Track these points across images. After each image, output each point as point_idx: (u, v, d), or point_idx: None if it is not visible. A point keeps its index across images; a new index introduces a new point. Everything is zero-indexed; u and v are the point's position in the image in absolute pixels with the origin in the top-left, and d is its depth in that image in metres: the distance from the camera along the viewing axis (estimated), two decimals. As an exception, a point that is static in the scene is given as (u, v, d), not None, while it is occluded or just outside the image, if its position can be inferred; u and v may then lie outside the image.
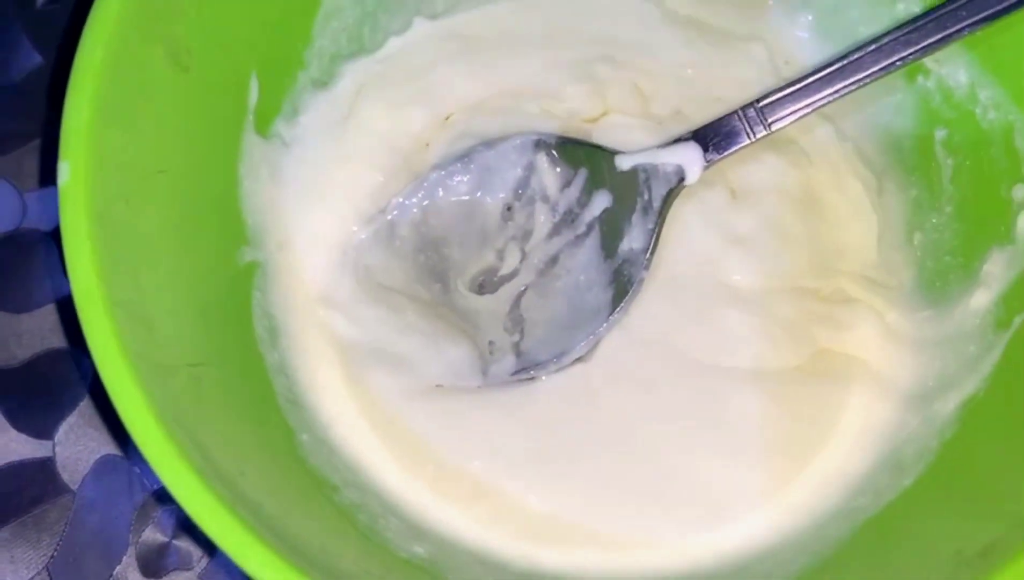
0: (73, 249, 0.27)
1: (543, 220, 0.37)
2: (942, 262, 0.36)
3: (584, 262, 0.36)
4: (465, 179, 0.37)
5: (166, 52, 0.31)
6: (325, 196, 0.37)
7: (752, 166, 0.37)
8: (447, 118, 0.39)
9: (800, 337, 0.35)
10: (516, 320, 0.37)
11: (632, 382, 0.35)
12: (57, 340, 0.39)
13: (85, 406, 0.39)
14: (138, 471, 0.38)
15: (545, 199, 0.37)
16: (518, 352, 0.36)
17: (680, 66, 0.38)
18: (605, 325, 0.35)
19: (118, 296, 0.27)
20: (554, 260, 0.37)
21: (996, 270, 0.34)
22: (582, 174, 0.37)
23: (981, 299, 0.34)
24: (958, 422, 0.32)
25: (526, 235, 0.37)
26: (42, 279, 0.40)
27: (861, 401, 0.34)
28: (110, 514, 0.37)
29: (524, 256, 0.37)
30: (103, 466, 0.38)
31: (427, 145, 0.38)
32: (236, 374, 0.33)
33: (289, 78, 0.38)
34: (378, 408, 0.35)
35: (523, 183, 0.37)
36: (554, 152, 0.37)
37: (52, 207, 0.40)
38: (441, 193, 0.37)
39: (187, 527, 0.37)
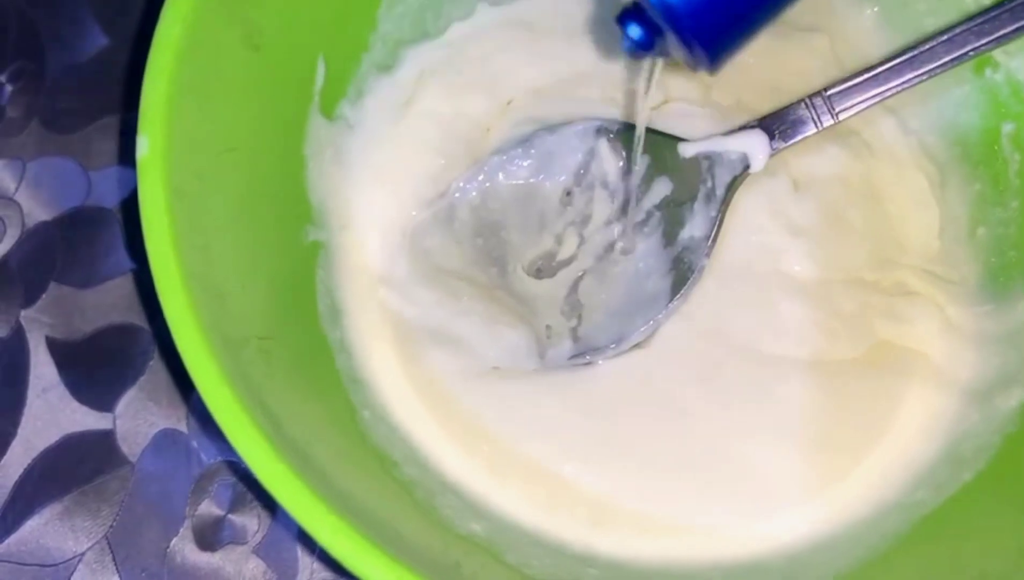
0: (152, 221, 0.28)
1: (603, 206, 0.37)
2: (1006, 257, 0.35)
3: (644, 249, 0.36)
4: (525, 164, 0.37)
5: (241, 32, 0.32)
6: (386, 179, 0.38)
7: (814, 157, 0.37)
8: (508, 103, 0.39)
9: (859, 329, 0.35)
10: (574, 305, 0.37)
11: (690, 369, 0.35)
12: (119, 315, 0.40)
13: (145, 381, 0.39)
14: (196, 446, 0.38)
15: (605, 185, 0.37)
16: (575, 337, 0.36)
17: (742, 55, 0.38)
18: (664, 312, 0.35)
19: (192, 268, 0.28)
20: (613, 246, 0.37)
21: None
22: (644, 160, 0.36)
23: None
24: (1020, 418, 0.31)
25: (585, 220, 0.37)
26: (106, 255, 0.41)
27: (920, 395, 0.34)
28: (168, 487, 0.38)
29: (583, 241, 0.37)
30: (162, 440, 0.38)
31: (488, 130, 0.38)
32: (301, 349, 0.33)
33: (354, 61, 0.38)
34: (435, 388, 0.35)
35: (584, 168, 0.37)
36: (616, 138, 0.37)
37: (116, 185, 0.41)
38: (501, 177, 0.37)
39: (242, 502, 0.37)
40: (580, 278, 0.37)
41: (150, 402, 0.39)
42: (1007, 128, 0.36)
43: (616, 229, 0.37)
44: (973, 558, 0.27)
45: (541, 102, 0.39)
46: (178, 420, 0.38)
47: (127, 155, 0.42)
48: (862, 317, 0.35)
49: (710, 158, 0.35)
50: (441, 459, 0.34)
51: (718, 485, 0.33)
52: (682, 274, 0.35)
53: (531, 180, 0.38)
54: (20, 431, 0.38)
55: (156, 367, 0.39)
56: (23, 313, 0.40)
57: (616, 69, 0.38)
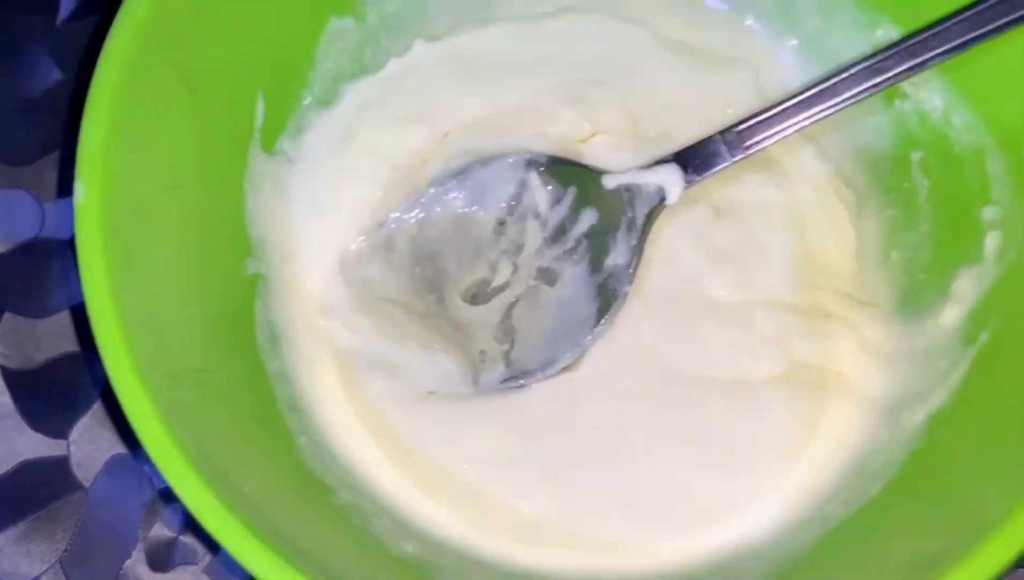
0: (87, 264, 0.29)
1: (534, 235, 0.39)
2: (916, 279, 0.37)
3: (572, 276, 0.38)
4: (461, 195, 0.39)
5: (178, 75, 0.33)
6: (326, 211, 0.39)
7: (735, 185, 0.38)
8: (445, 136, 0.40)
9: (778, 350, 0.36)
10: (507, 330, 0.38)
11: (616, 391, 0.36)
12: (72, 345, 0.41)
13: (98, 408, 0.40)
14: (147, 470, 0.39)
15: (536, 215, 0.39)
16: (508, 361, 0.37)
17: (668, 88, 0.40)
18: (591, 336, 0.36)
19: (129, 307, 0.29)
20: (544, 273, 0.39)
21: (965, 287, 0.35)
22: (571, 192, 0.38)
23: (951, 315, 0.35)
24: (925, 433, 0.33)
25: (518, 249, 0.39)
26: (59, 286, 0.41)
27: (835, 412, 0.35)
28: (120, 511, 0.39)
29: (516, 269, 0.39)
30: (114, 465, 0.39)
31: (425, 162, 0.40)
32: (239, 380, 0.34)
33: (294, 98, 0.39)
34: (373, 413, 0.37)
35: (515, 199, 0.39)
36: (545, 171, 0.39)
37: (70, 217, 0.42)
38: (437, 208, 0.39)
39: (192, 525, 0.38)
40: (513, 304, 0.38)
41: (103, 429, 0.40)
42: (916, 156, 0.38)
43: (546, 257, 0.39)
44: (871, 567, 0.29)
45: (476, 135, 0.40)
46: (130, 446, 0.39)
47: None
48: (782, 339, 0.36)
49: (630, 190, 0.37)
50: (377, 481, 0.35)
51: (642, 503, 0.35)
52: (607, 300, 0.37)
53: (466, 210, 0.39)
54: None
55: (109, 394, 0.40)
56: None
57: (547, 104, 0.40)
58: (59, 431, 0.40)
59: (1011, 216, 0.34)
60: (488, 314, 0.38)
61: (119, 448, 0.39)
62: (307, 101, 0.39)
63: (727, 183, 0.38)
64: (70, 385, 0.40)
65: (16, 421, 0.40)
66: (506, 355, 0.38)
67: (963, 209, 0.35)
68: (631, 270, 0.36)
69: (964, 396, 0.33)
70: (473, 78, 0.40)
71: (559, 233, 0.38)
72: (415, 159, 0.40)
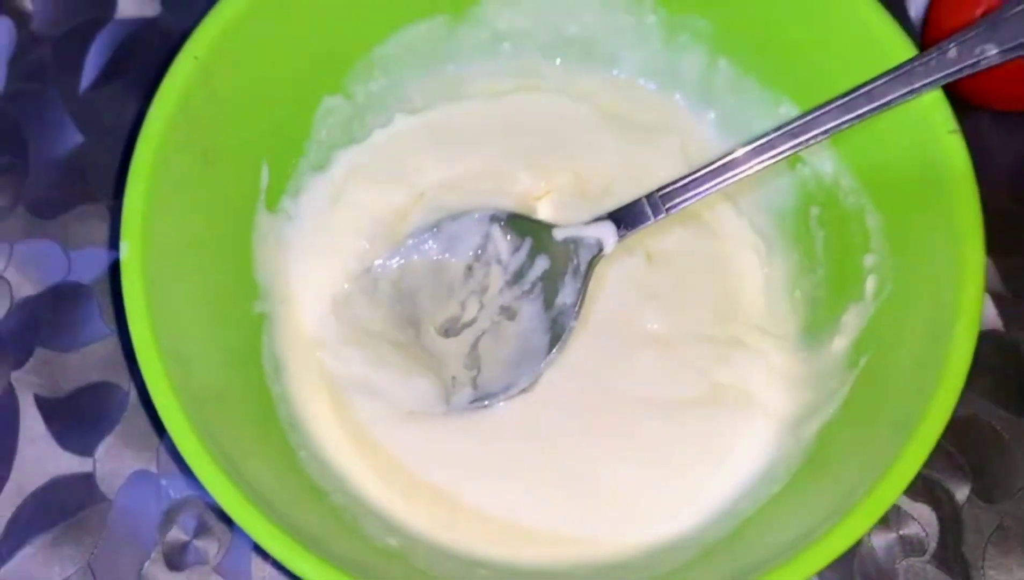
0: (133, 310, 0.33)
1: (497, 278, 0.42)
2: (815, 314, 0.41)
3: (529, 312, 0.41)
4: (435, 245, 0.42)
5: (198, 151, 0.36)
6: (320, 260, 0.42)
7: (664, 236, 0.42)
8: (421, 195, 0.43)
9: (701, 375, 0.40)
10: (474, 358, 0.41)
11: (566, 409, 0.40)
12: (97, 375, 0.43)
13: (120, 429, 0.42)
14: (164, 483, 0.41)
15: (499, 261, 0.42)
16: (475, 384, 0.41)
17: (610, 153, 0.43)
18: (544, 362, 0.40)
19: (165, 345, 0.33)
20: (505, 310, 0.42)
21: (851, 321, 0.38)
22: (527, 242, 0.42)
23: (840, 344, 0.38)
24: (816, 441, 0.37)
25: (483, 289, 0.42)
26: (84, 324, 0.44)
27: (748, 427, 0.39)
28: (140, 519, 0.41)
29: (482, 306, 0.42)
30: (135, 479, 0.41)
31: (404, 217, 0.43)
32: (250, 402, 0.37)
33: (293, 164, 0.42)
34: (359, 430, 0.39)
35: (481, 248, 0.42)
36: (505, 224, 0.42)
37: (93, 264, 0.45)
38: (415, 256, 0.42)
39: (204, 528, 0.41)
40: (480, 336, 0.42)
41: (125, 447, 0.42)
42: (814, 211, 0.42)
43: (507, 296, 0.42)
44: (766, 548, 0.33)
45: (447, 194, 0.43)
46: (149, 462, 0.42)
47: (102, 238, 0.46)
48: (704, 365, 0.40)
49: (575, 241, 0.40)
50: (363, 487, 0.38)
51: (591, 504, 0.38)
52: (558, 332, 0.40)
53: (440, 258, 0.42)
54: (13, 475, 0.42)
55: (129, 417, 0.42)
56: (13, 374, 0.43)
57: (509, 167, 0.43)
58: (86, 450, 0.42)
59: (885, 263, 0.37)
60: (458, 345, 0.41)
61: (139, 464, 0.41)
62: (304, 167, 0.43)
63: (658, 234, 0.42)
64: (95, 410, 0.43)
65: (48, 442, 0.42)
66: (473, 380, 0.41)
67: (851, 257, 0.39)
68: (577, 308, 0.40)
69: (845, 409, 0.36)
70: (445, 145, 0.44)
71: (518, 276, 0.42)
72: (396, 214, 0.43)
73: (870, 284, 0.38)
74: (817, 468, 0.36)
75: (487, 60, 0.45)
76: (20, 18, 0.49)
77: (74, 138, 0.47)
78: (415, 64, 0.44)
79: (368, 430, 0.39)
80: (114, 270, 0.45)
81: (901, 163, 0.37)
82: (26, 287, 0.45)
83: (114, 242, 0.45)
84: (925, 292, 0.35)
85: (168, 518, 0.41)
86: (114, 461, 0.42)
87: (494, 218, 0.42)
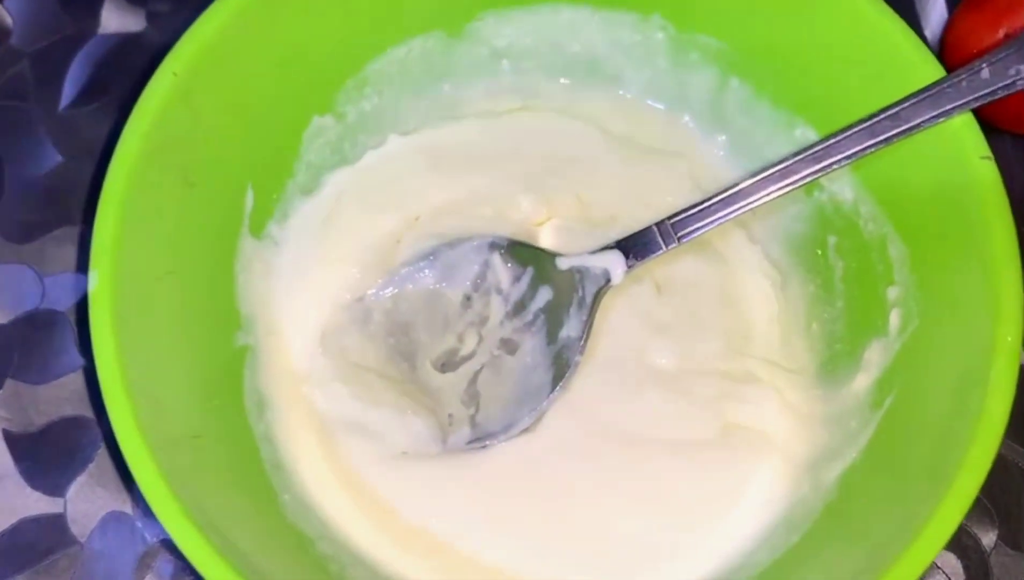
0: (99, 343, 0.32)
1: (496, 309, 0.41)
2: (833, 349, 0.40)
3: (531, 346, 0.40)
4: (431, 273, 0.41)
5: (177, 173, 0.35)
6: (309, 288, 0.41)
7: (674, 266, 0.41)
8: (416, 219, 0.42)
9: (712, 413, 0.39)
10: (472, 395, 0.40)
11: (570, 451, 0.38)
12: (71, 409, 0.42)
13: (94, 467, 0.41)
14: (140, 525, 0.40)
15: (498, 291, 0.41)
16: (473, 424, 0.40)
17: (615, 178, 0.42)
18: (546, 401, 0.39)
19: (135, 381, 0.31)
20: (505, 343, 0.41)
21: (874, 358, 0.37)
22: (529, 271, 0.41)
23: (862, 382, 0.37)
24: (838, 487, 0.36)
25: (482, 321, 0.41)
26: (58, 354, 0.43)
27: (762, 469, 0.38)
28: (114, 563, 0.40)
29: (480, 339, 0.41)
30: (109, 521, 0.40)
31: (398, 242, 0.42)
32: (229, 443, 0.36)
33: (280, 187, 0.41)
34: (350, 472, 0.38)
35: (480, 277, 0.41)
36: (505, 252, 0.41)
37: (69, 290, 0.44)
38: (410, 285, 0.41)
39: (181, 577, 0.39)
40: (478, 371, 0.41)
41: (98, 487, 0.41)
42: (832, 240, 0.41)
43: (508, 329, 0.41)
44: None
45: (443, 218, 0.42)
46: (123, 503, 0.40)
47: (78, 263, 0.44)
48: (715, 402, 0.39)
49: (580, 271, 0.39)
50: (353, 534, 0.37)
51: (596, 552, 0.37)
52: (561, 368, 0.39)
53: (436, 287, 0.41)
54: None
55: (103, 455, 0.41)
56: None
57: (507, 191, 0.42)
58: (57, 490, 0.41)
59: (910, 296, 0.36)
60: (456, 381, 0.40)
61: (113, 505, 0.40)
62: (292, 190, 0.42)
63: (667, 263, 0.41)
64: (67, 447, 0.41)
65: (16, 480, 0.41)
66: (472, 418, 0.40)
67: (872, 288, 0.38)
68: (582, 342, 0.39)
69: (871, 453, 0.35)
70: (441, 168, 0.43)
71: (519, 308, 0.41)
72: (388, 241, 0.42)
73: (894, 318, 0.37)
74: (840, 518, 0.35)
75: (485, 79, 0.44)
76: None
77: (52, 158, 0.46)
78: (410, 83, 0.43)
79: (358, 472, 0.38)
80: (86, 300, 0.43)
81: (927, 190, 0.36)
82: None
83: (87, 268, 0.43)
84: (957, 328, 0.34)
85: (143, 563, 0.40)
86: (86, 501, 0.41)
87: (494, 245, 0.41)
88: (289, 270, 0.41)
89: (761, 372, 0.40)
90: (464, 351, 0.41)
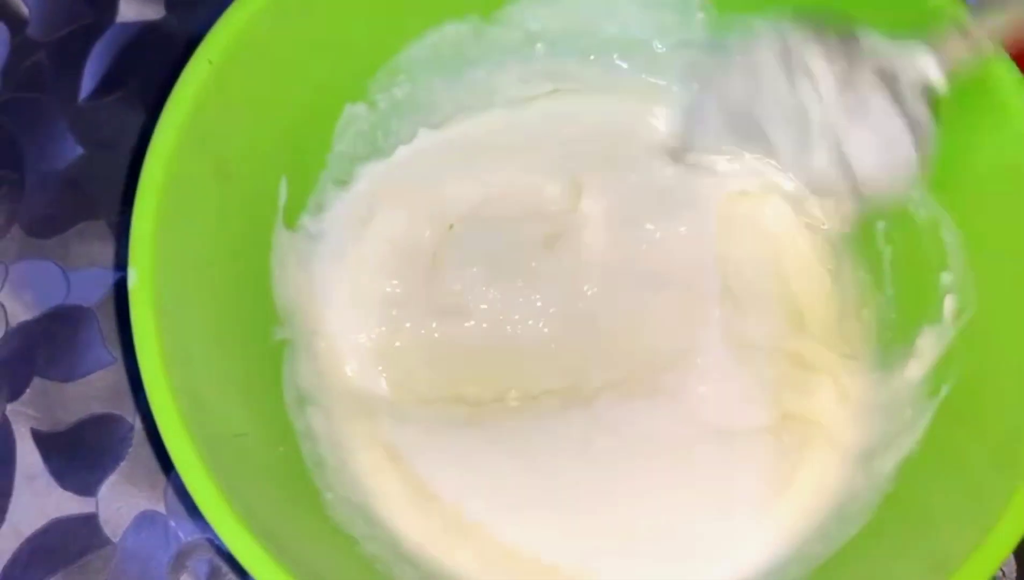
0: (143, 343, 0.31)
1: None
2: (885, 336, 0.39)
3: None
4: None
5: (212, 166, 0.35)
6: (349, 288, 0.41)
7: (727, 242, 0.41)
8: (450, 228, 0.42)
9: (771, 397, 0.38)
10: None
11: (622, 436, 0.38)
12: (100, 406, 0.42)
13: (125, 466, 0.41)
14: (173, 524, 0.40)
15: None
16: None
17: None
18: None
19: (177, 380, 0.31)
20: None
21: (927, 345, 0.37)
22: None
23: (915, 370, 0.37)
24: (896, 478, 0.35)
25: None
26: (85, 350, 0.43)
27: (816, 460, 0.37)
28: (148, 563, 0.40)
29: None
30: (142, 520, 0.40)
31: (434, 254, 0.42)
32: (271, 440, 0.36)
33: (313, 178, 0.41)
34: (398, 466, 0.38)
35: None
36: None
37: (94, 285, 0.44)
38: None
39: (217, 575, 0.40)
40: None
41: (130, 486, 0.41)
42: (880, 225, 0.40)
43: None
44: None
45: (477, 229, 0.42)
46: (156, 501, 0.41)
47: (103, 257, 0.44)
48: (774, 387, 0.39)
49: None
50: (399, 531, 0.37)
51: (644, 544, 0.37)
52: None
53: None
54: (8, 518, 0.40)
55: (135, 453, 0.41)
56: (8, 407, 0.42)
57: (542, 184, 0.42)
58: (88, 489, 0.41)
59: (965, 281, 0.36)
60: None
61: (145, 505, 0.41)
62: (325, 181, 0.42)
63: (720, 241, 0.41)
64: (98, 445, 0.42)
65: (47, 480, 0.41)
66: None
67: (924, 274, 0.37)
68: None
69: (929, 443, 0.35)
70: (472, 163, 0.43)
71: None
72: (426, 252, 0.42)
73: (948, 305, 0.36)
74: (899, 510, 0.34)
75: (519, 64, 0.44)
76: (15, 23, 0.48)
77: (73, 151, 0.46)
78: (442, 69, 0.43)
79: (406, 464, 0.38)
80: (118, 292, 0.44)
81: (981, 172, 0.36)
82: (22, 311, 0.44)
83: (119, 263, 0.44)
84: (1015, 316, 0.34)
85: (178, 562, 0.40)
86: (119, 501, 0.41)
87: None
88: (326, 265, 0.41)
89: (817, 357, 0.40)
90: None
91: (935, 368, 0.37)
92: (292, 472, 0.36)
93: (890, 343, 0.39)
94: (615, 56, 0.44)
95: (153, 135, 0.34)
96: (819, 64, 0.35)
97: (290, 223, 0.40)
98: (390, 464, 0.38)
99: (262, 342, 0.38)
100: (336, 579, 0.32)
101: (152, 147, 0.34)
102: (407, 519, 0.37)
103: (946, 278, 0.37)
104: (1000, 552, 0.29)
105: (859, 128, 0.35)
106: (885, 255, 0.40)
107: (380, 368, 0.40)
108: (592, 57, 0.44)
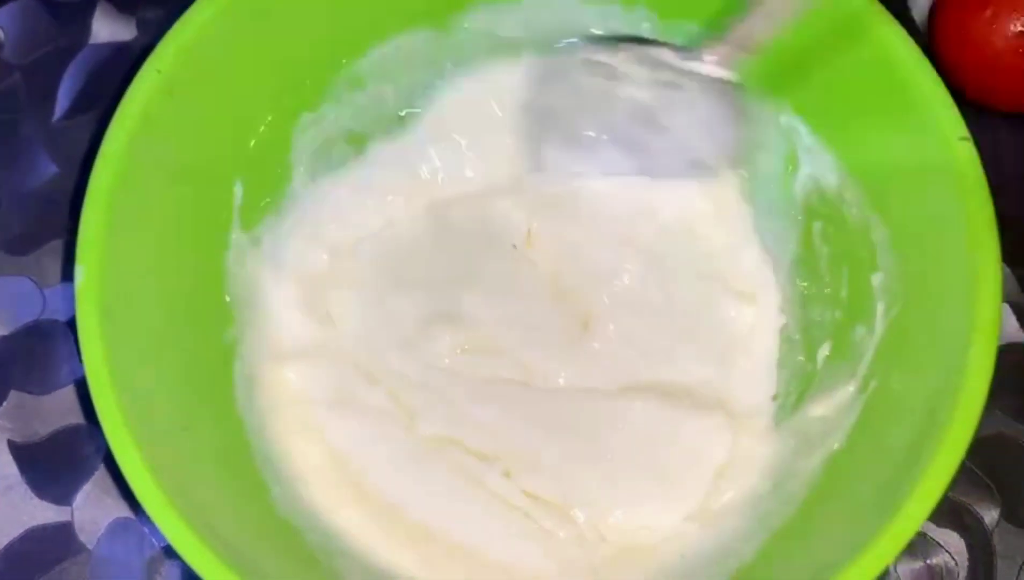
0: (86, 338, 0.33)
1: None
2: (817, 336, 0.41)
3: None
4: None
5: (162, 171, 0.37)
6: (292, 292, 0.42)
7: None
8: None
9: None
10: None
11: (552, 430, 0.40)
12: (75, 418, 0.44)
13: (100, 475, 0.43)
14: (147, 531, 0.42)
15: None
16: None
17: None
18: None
19: (122, 374, 0.33)
20: None
21: (861, 343, 0.38)
22: None
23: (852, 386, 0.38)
24: (824, 471, 0.37)
25: None
26: (60, 364, 0.44)
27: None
28: (123, 570, 0.41)
29: None
30: (116, 527, 0.42)
31: (387, 266, 0.44)
32: (220, 435, 0.38)
33: (269, 183, 0.42)
34: (337, 460, 0.40)
35: None
36: None
37: (69, 301, 0.45)
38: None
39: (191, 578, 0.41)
40: None
41: (104, 494, 0.42)
42: (817, 226, 0.41)
43: None
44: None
45: (434, 237, 0.44)
46: (130, 509, 0.42)
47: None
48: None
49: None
50: (338, 525, 0.38)
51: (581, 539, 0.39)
52: None
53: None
54: None
55: (109, 462, 0.43)
56: None
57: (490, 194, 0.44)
58: (63, 498, 0.42)
59: (893, 280, 0.37)
60: None
61: (120, 512, 0.42)
62: (281, 186, 0.43)
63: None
64: (73, 456, 0.43)
65: (23, 490, 0.43)
66: None
67: (857, 274, 0.39)
68: None
69: (854, 437, 0.36)
70: (428, 175, 0.44)
71: None
72: (378, 261, 0.43)
73: (879, 306, 0.38)
74: (824, 498, 0.36)
75: (475, 72, 0.45)
76: None
77: (48, 169, 0.48)
78: (395, 79, 0.44)
79: (347, 460, 0.40)
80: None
81: (907, 173, 0.37)
82: None
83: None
84: (937, 309, 0.35)
85: (152, 568, 0.42)
86: (93, 509, 0.43)
87: None
88: (277, 267, 0.43)
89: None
90: None
91: (868, 366, 0.38)
92: (241, 466, 0.38)
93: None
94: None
95: (103, 140, 0.36)
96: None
97: (247, 227, 0.42)
98: (330, 463, 0.40)
99: (214, 339, 0.40)
100: (281, 571, 0.34)
101: (101, 152, 0.35)
102: (346, 515, 0.38)
103: (876, 279, 0.38)
104: (910, 526, 0.31)
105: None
106: (823, 256, 0.41)
107: (319, 372, 0.42)
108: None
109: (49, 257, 0.46)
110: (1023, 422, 0.43)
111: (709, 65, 0.38)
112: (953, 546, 0.41)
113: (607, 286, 0.42)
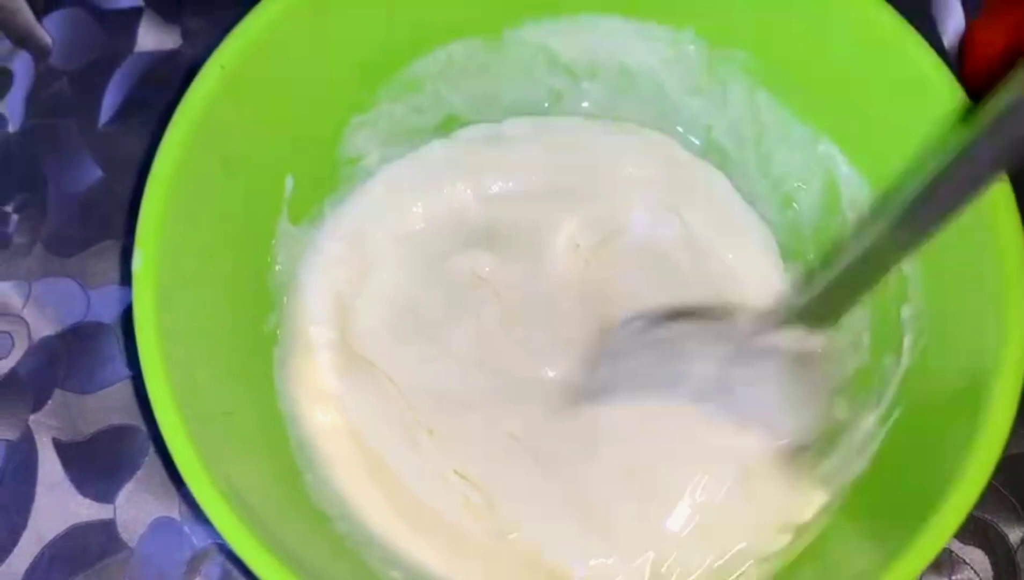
0: (142, 320, 0.34)
1: None
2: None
3: None
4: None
5: (220, 162, 0.38)
6: (329, 286, 0.43)
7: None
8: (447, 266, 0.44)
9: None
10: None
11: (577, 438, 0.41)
12: (118, 418, 0.45)
13: (142, 474, 0.44)
14: (187, 531, 0.43)
15: None
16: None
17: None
18: None
19: (173, 357, 0.34)
20: None
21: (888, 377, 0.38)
22: None
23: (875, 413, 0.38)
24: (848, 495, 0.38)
25: None
26: (104, 365, 0.46)
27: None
28: (163, 569, 0.43)
29: None
30: (157, 526, 0.43)
31: (429, 266, 0.44)
32: (259, 421, 0.39)
33: (319, 180, 0.44)
34: (368, 455, 0.40)
35: None
36: None
37: (113, 302, 0.47)
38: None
39: (229, 579, 0.42)
40: None
41: (146, 494, 0.44)
42: None
43: None
44: None
45: (480, 242, 0.44)
46: (171, 508, 0.43)
47: (121, 275, 0.47)
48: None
49: None
50: (368, 514, 0.39)
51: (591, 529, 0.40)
52: None
53: None
54: (30, 523, 0.43)
55: (151, 463, 0.44)
56: (31, 418, 0.45)
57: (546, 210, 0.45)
58: (106, 496, 0.44)
59: (921, 312, 0.37)
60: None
61: (162, 511, 0.43)
62: (330, 184, 0.44)
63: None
64: (116, 455, 0.45)
65: (67, 487, 0.44)
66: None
67: (887, 306, 0.39)
68: None
69: (876, 464, 0.37)
70: (479, 181, 0.45)
71: None
72: (423, 261, 0.44)
73: (907, 339, 0.38)
74: (847, 523, 0.37)
75: (527, 85, 0.46)
76: (38, 52, 0.52)
77: (93, 174, 0.49)
78: (449, 85, 0.45)
79: (376, 455, 0.41)
80: (130, 311, 0.46)
81: None
82: (44, 327, 0.47)
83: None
84: (964, 339, 0.36)
85: (192, 567, 0.43)
86: (135, 508, 0.44)
87: None
88: (320, 263, 0.44)
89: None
90: None
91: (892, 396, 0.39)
92: (277, 452, 0.39)
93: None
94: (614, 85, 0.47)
95: (166, 131, 0.37)
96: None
97: (295, 220, 0.43)
98: (360, 456, 0.41)
99: (257, 328, 0.41)
100: (312, 554, 0.35)
101: (164, 141, 0.37)
102: (374, 507, 0.39)
103: (906, 311, 0.39)
104: (936, 543, 0.32)
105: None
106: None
107: (350, 368, 0.43)
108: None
109: (94, 259, 0.48)
110: (1048, 442, 0.44)
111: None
112: (977, 563, 0.43)
113: None
